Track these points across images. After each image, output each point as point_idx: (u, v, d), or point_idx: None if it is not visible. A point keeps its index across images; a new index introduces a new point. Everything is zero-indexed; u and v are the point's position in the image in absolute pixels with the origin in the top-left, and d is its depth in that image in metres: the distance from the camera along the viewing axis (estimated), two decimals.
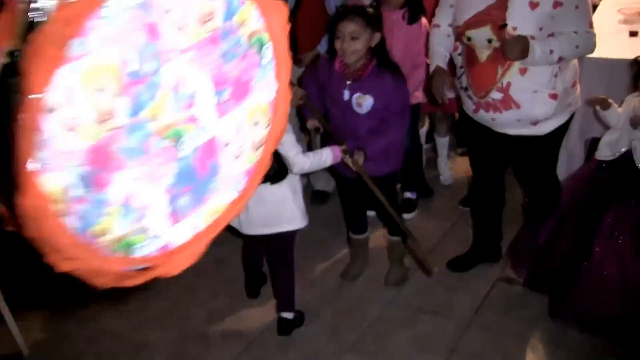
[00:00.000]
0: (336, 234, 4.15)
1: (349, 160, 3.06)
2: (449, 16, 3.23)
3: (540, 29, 2.91)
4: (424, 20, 3.83)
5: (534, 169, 3.44)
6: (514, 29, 2.90)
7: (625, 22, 4.42)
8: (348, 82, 3.19)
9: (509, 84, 3.02)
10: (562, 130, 3.26)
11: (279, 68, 1.64)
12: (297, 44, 4.20)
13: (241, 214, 3.20)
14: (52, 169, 1.20)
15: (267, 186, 3.05)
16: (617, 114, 3.15)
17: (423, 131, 4.59)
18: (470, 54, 3.13)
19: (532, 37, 2.88)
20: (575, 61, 3.20)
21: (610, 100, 3.14)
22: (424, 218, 4.35)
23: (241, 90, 1.56)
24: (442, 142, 4.73)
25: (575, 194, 3.33)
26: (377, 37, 3.11)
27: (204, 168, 1.52)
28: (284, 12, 1.62)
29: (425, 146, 4.80)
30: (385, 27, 3.56)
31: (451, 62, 3.39)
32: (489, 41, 2.98)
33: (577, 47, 2.95)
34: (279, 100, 1.68)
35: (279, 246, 3.39)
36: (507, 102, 3.07)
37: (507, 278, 3.67)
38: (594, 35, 3.03)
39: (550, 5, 2.88)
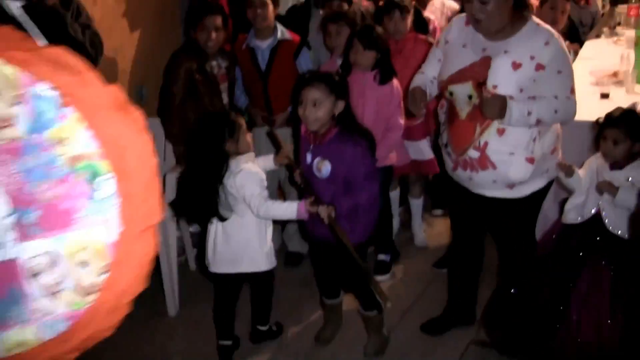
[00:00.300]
0: (309, 296, 4.16)
1: (322, 211, 3.00)
2: (435, 69, 3.32)
3: (521, 90, 2.98)
4: (395, 81, 3.92)
5: (509, 232, 3.47)
6: (494, 87, 2.99)
7: (597, 84, 4.56)
8: (311, 146, 3.21)
9: (486, 144, 3.09)
10: (538, 195, 3.30)
11: (127, 208, 1.40)
12: (271, 105, 4.33)
13: (210, 252, 3.42)
14: None
15: (233, 225, 3.31)
16: (580, 179, 3.17)
17: (395, 194, 4.64)
18: (451, 111, 3.22)
19: (511, 97, 2.94)
20: (558, 127, 3.25)
21: (574, 168, 3.17)
22: (397, 280, 4.39)
23: (57, 218, 1.38)
24: (416, 203, 4.79)
25: (545, 257, 3.31)
26: (340, 105, 3.11)
27: (2, 290, 1.38)
28: (144, 142, 1.43)
29: (398, 209, 4.86)
30: (357, 89, 3.67)
31: (436, 117, 3.47)
32: (469, 97, 3.07)
33: (556, 111, 3.01)
34: (125, 246, 1.43)
35: (258, 284, 3.63)
36: (484, 162, 3.12)
37: (480, 341, 3.68)
38: (574, 101, 3.10)
39: (532, 68, 2.97)
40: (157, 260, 4.06)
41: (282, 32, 4.30)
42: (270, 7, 4.22)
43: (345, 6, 4.55)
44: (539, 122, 3.01)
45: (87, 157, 1.36)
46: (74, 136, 1.34)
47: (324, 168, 3.13)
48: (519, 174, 3.13)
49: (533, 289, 3.31)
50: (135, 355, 3.74)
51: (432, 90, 3.36)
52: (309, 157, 3.21)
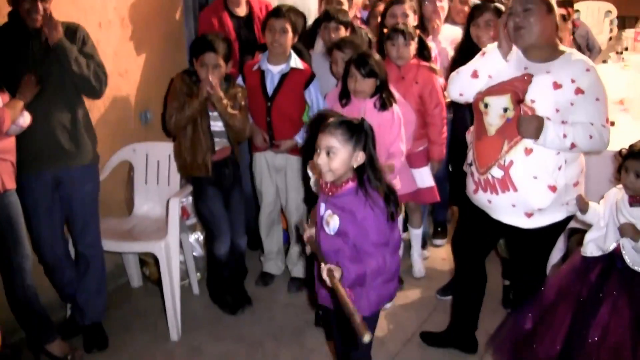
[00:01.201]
0: (311, 324, 4.23)
1: (323, 270, 2.62)
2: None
3: (557, 110, 3.06)
4: (395, 107, 3.98)
5: (523, 261, 3.53)
6: (532, 101, 3.07)
7: None
8: (325, 197, 2.89)
9: (511, 162, 3.15)
10: (555, 229, 3.34)
11: None
12: (273, 130, 4.41)
13: None
14: None
15: None
16: (598, 213, 3.18)
17: (399, 220, 4.67)
18: (479, 127, 3.30)
19: (548, 118, 3.02)
20: (582, 161, 3.31)
21: (589, 205, 3.19)
22: (400, 307, 4.42)
23: None
24: (415, 233, 4.84)
25: (562, 288, 3.29)
26: (360, 156, 2.74)
27: None
28: None
29: (402, 234, 4.90)
30: (358, 115, 3.74)
31: (464, 140, 3.59)
32: (505, 110, 3.15)
33: (591, 137, 3.06)
34: None
35: None
36: (505, 183, 3.18)
37: None
38: (609, 131, 3.15)
39: (572, 91, 3.05)
40: (159, 284, 4.16)
41: (295, 60, 4.37)
42: (290, 35, 4.29)
43: (342, 30, 4.63)
44: (573, 146, 3.07)
45: None
46: None
47: (332, 223, 2.82)
48: (539, 200, 3.18)
49: (545, 320, 3.30)
50: None
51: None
52: (322, 209, 2.91)
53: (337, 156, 2.72)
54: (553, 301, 3.28)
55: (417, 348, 3.93)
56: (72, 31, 3.68)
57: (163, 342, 4.13)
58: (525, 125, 3.04)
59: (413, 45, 4.30)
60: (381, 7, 5.30)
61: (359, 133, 2.74)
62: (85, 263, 3.97)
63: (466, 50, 3.93)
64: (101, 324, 4.09)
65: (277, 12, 4.30)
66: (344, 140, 2.72)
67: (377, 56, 3.99)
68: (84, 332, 4.05)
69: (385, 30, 4.43)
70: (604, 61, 6.62)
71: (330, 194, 2.83)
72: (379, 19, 5.11)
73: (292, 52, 4.38)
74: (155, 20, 4.92)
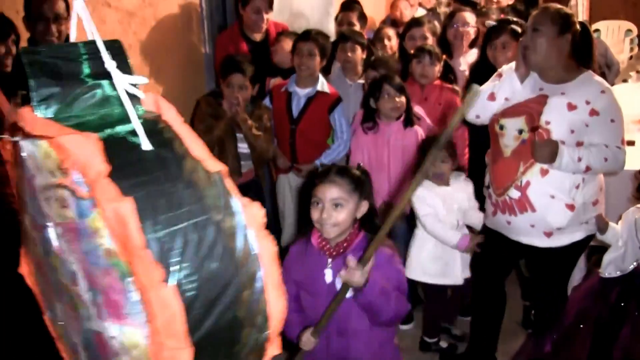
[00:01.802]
0: None
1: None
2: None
3: (572, 131, 3.09)
4: (419, 129, 4.02)
5: (543, 281, 3.53)
6: (547, 122, 3.10)
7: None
8: (329, 260, 2.57)
9: (527, 183, 3.17)
10: (576, 248, 3.34)
11: (153, 320, 1.15)
12: (296, 152, 4.44)
13: None
14: None
15: None
16: (617, 233, 3.19)
17: None
18: (496, 150, 3.33)
19: (563, 142, 3.04)
20: (601, 179, 3.33)
21: (608, 225, 3.20)
22: (419, 328, 4.34)
23: (114, 309, 1.21)
24: None
25: (581, 309, 3.30)
26: (364, 206, 2.55)
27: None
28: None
29: None
30: (382, 139, 3.79)
31: (482, 161, 3.62)
32: (520, 132, 3.18)
33: (605, 159, 3.08)
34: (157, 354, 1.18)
35: None
36: (523, 204, 3.20)
37: None
38: (624, 152, 3.18)
39: (587, 112, 3.08)
40: None
41: (322, 84, 4.41)
42: (317, 58, 4.34)
43: (359, 50, 4.71)
44: (588, 169, 3.08)
45: (114, 254, 1.16)
46: (101, 229, 1.16)
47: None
48: (557, 219, 3.18)
49: (565, 341, 3.31)
50: None
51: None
52: (329, 275, 2.56)
53: (344, 208, 2.48)
54: (573, 323, 3.28)
55: None
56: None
57: None
58: (540, 150, 3.06)
59: (438, 67, 4.36)
60: (387, 29, 5.38)
61: (362, 181, 2.55)
62: None
63: (481, 72, 3.97)
64: None
65: (304, 36, 4.37)
66: (350, 190, 2.49)
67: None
68: None
69: (412, 52, 4.51)
70: (625, 80, 6.61)
71: (341, 251, 2.53)
72: (385, 40, 5.18)
73: (320, 75, 4.42)
74: (174, 44, 5.00)
